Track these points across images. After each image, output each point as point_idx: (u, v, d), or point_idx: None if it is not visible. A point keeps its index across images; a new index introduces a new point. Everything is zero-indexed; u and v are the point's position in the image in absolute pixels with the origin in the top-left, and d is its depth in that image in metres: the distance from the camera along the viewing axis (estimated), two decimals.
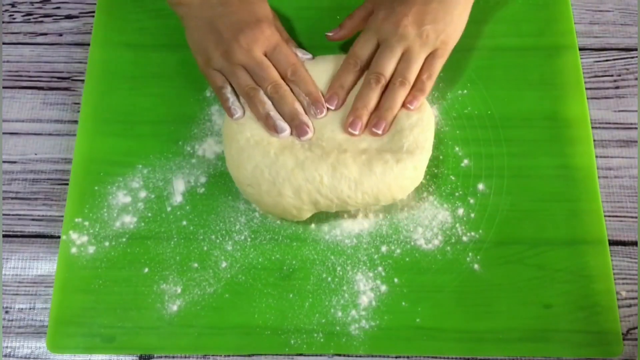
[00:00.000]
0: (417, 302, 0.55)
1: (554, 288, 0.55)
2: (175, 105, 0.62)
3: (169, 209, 0.58)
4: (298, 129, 0.56)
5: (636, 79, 0.64)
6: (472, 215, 0.58)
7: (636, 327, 0.56)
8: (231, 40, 0.57)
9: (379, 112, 0.57)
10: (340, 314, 0.55)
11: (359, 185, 0.54)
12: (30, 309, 0.57)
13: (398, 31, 0.57)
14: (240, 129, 0.57)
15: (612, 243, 0.58)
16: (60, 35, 0.67)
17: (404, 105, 0.57)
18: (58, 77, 0.65)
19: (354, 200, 0.55)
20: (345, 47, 0.63)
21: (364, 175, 0.54)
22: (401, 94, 0.57)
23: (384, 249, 0.57)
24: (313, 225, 0.58)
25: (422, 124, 0.57)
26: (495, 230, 0.57)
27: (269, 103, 0.57)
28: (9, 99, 0.64)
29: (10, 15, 0.68)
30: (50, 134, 0.63)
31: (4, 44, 0.67)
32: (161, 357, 0.55)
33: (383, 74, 0.57)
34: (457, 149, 0.60)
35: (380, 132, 0.56)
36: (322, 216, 0.58)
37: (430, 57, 0.58)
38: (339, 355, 0.55)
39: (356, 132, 0.56)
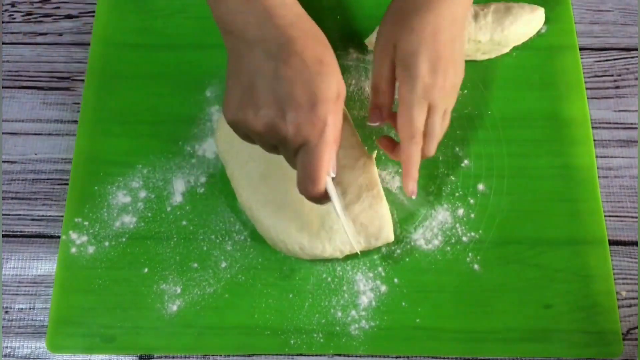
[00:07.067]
0: (417, 302, 0.55)
1: (554, 288, 0.55)
2: (175, 105, 0.62)
3: (169, 209, 0.58)
4: None
5: (636, 78, 0.64)
6: (472, 215, 0.58)
7: (636, 327, 0.56)
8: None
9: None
10: (340, 314, 0.55)
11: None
12: (30, 309, 0.57)
13: (451, 95, 0.52)
14: (240, 157, 0.56)
15: (612, 243, 0.58)
16: (60, 35, 0.67)
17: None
18: (58, 77, 0.65)
19: (365, 248, 0.55)
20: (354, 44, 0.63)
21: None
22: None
23: (383, 249, 0.57)
24: None
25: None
26: (495, 230, 0.57)
27: None
28: (9, 99, 0.64)
29: (10, 15, 0.68)
30: (50, 134, 0.63)
31: (4, 44, 0.67)
32: (161, 357, 0.55)
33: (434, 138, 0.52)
34: (457, 149, 0.60)
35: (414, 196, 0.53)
36: None
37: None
38: (339, 355, 0.55)
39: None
